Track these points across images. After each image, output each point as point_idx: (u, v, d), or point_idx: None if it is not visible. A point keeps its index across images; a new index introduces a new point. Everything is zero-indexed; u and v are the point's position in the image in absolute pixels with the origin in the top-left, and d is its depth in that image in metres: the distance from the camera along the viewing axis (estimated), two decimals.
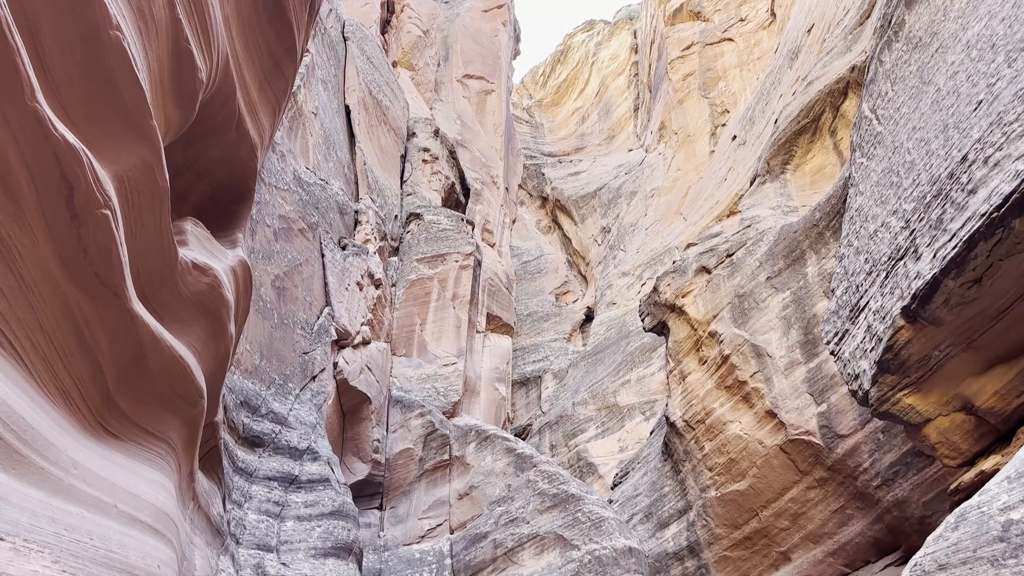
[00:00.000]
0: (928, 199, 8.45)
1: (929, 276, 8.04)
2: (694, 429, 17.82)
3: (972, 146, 7.69)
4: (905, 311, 8.58)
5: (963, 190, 7.65)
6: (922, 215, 8.53)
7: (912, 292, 8.38)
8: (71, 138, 3.93)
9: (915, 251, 8.58)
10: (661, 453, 20.35)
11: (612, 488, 24.30)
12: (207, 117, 6.37)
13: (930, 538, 4.54)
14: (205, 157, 6.97)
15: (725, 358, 16.94)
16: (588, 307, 41.74)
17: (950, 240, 7.74)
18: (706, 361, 17.81)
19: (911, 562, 4.46)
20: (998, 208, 6.99)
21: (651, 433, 23.78)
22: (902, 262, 8.89)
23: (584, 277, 46.90)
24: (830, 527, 15.20)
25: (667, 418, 19.36)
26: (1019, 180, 6.74)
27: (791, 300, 15.75)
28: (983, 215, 7.18)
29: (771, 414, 15.63)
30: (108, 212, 4.30)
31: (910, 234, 8.80)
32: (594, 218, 47.92)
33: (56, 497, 4.07)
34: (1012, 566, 3.25)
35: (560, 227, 51.10)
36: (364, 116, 26.75)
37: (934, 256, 8.02)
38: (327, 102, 23.84)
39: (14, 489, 3.64)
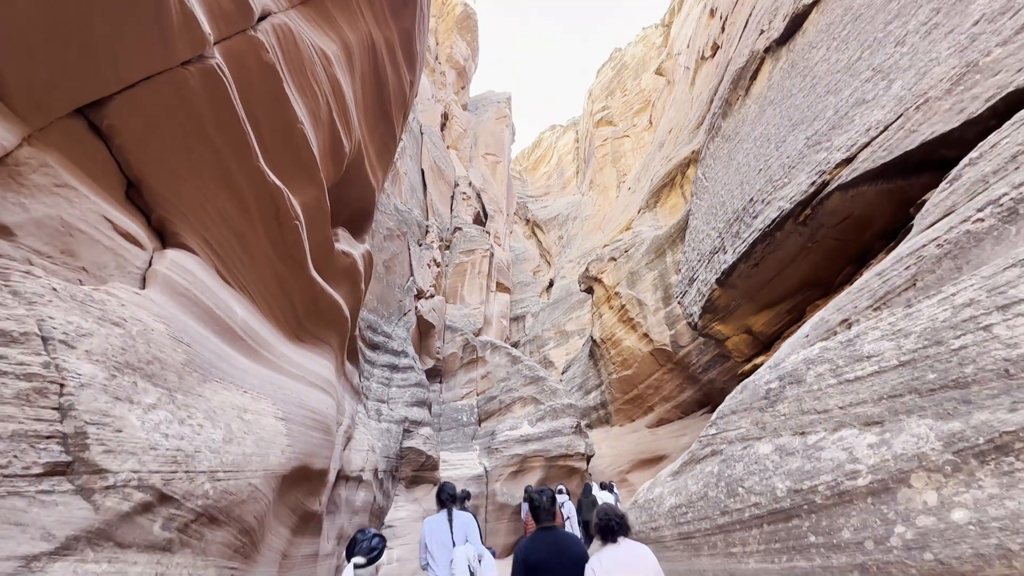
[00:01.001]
0: (731, 221, 8.46)
1: (731, 262, 8.10)
2: (606, 343, 18.02)
3: (755, 192, 7.68)
4: (717, 281, 8.67)
5: (750, 215, 7.66)
6: (728, 229, 8.55)
7: (721, 270, 8.46)
8: (277, 182, 3.91)
9: (723, 249, 8.62)
10: (588, 356, 20.58)
11: (562, 374, 24.60)
12: (348, 173, 6.31)
13: (727, 397, 4.65)
14: (347, 195, 6.89)
15: (623, 306, 17.06)
16: (551, 279, 41.64)
17: (742, 244, 7.78)
18: (613, 307, 17.94)
19: (716, 410, 4.56)
20: (768, 226, 7.01)
21: (583, 346, 23.99)
22: (716, 254, 8.94)
23: (549, 263, 46.68)
24: (674, 393, 15.51)
25: (592, 338, 19.56)
26: (779, 212, 6.74)
27: (658, 275, 15.82)
28: (760, 229, 7.20)
29: (646, 335, 15.82)
30: (298, 223, 4.30)
31: (721, 240, 8.83)
32: (555, 231, 47.58)
33: (272, 372, 4.14)
34: (769, 411, 3.35)
35: (536, 236, 50.67)
36: (431, 175, 26.34)
37: (733, 251, 8.07)
38: (411, 167, 23.47)
39: (251, 367, 3.71)
